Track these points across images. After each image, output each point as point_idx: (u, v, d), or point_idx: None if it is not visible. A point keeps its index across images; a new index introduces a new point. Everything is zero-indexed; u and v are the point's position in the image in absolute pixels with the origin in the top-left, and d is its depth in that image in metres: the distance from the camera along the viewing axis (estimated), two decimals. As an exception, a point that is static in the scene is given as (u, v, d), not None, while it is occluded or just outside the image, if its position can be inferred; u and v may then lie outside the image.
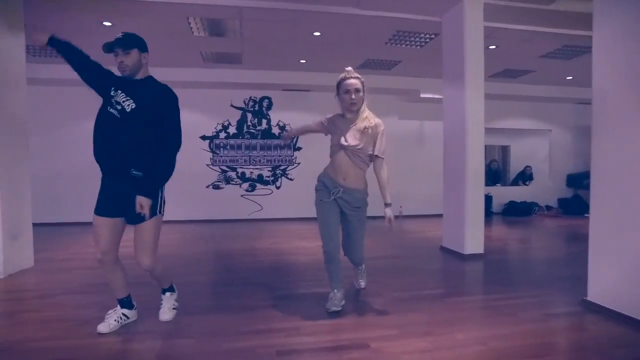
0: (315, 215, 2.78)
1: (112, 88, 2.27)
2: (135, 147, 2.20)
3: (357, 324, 2.57)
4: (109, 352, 2.16)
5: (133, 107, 2.20)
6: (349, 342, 2.27)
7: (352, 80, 2.63)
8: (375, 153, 2.68)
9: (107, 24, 4.93)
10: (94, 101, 2.42)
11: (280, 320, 2.58)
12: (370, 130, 2.64)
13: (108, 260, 2.32)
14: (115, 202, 2.26)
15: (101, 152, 2.26)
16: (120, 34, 2.27)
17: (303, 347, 2.22)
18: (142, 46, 2.30)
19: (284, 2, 4.36)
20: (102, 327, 2.32)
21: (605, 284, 2.73)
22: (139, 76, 2.30)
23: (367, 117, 2.69)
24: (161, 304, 2.57)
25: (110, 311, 2.44)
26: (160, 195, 2.31)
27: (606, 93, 2.74)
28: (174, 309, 2.57)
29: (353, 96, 2.62)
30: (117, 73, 2.32)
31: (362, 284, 3.20)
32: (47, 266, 4.05)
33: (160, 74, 7.39)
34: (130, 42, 2.26)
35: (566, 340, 2.45)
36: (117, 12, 4.60)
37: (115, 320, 2.37)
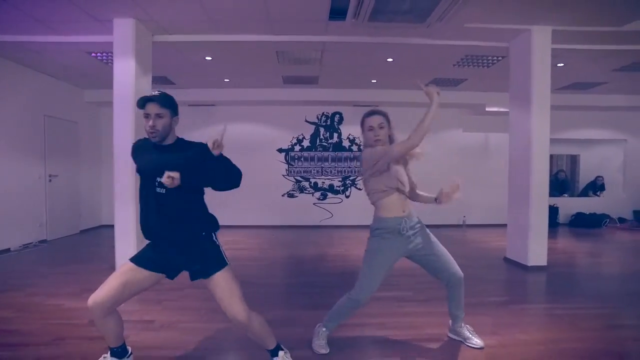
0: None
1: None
2: (188, 213, 2.12)
3: (432, 322, 3.06)
4: None
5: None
6: (428, 337, 2.79)
7: (375, 117, 2.49)
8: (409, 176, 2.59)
9: (209, 58, 5.84)
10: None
11: (369, 317, 3.16)
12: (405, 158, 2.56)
13: (99, 310, 2.04)
14: (165, 261, 2.14)
15: (151, 231, 2.14)
16: (157, 92, 2.13)
17: (391, 338, 2.78)
18: (175, 109, 2.13)
19: (362, 37, 4.94)
20: None
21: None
22: (168, 141, 2.13)
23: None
24: None
25: (101, 358, 2.27)
26: (221, 247, 2.22)
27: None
28: None
29: (377, 133, 2.46)
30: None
31: (477, 341, 2.64)
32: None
33: (244, 94, 8.48)
34: (166, 101, 2.09)
35: (626, 346, 2.71)
36: (218, 49, 5.46)
37: None
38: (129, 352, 2.30)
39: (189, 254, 2.14)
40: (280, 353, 2.31)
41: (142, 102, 2.08)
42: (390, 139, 2.51)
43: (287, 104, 8.23)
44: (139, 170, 2.15)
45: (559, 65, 5.91)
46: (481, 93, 7.85)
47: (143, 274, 2.10)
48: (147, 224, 2.12)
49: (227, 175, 2.11)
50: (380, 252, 2.50)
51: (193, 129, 7.55)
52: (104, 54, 5.59)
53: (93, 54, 5.59)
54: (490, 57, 5.75)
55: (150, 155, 2.12)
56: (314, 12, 4.26)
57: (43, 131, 6.54)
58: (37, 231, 6.40)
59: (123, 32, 4.47)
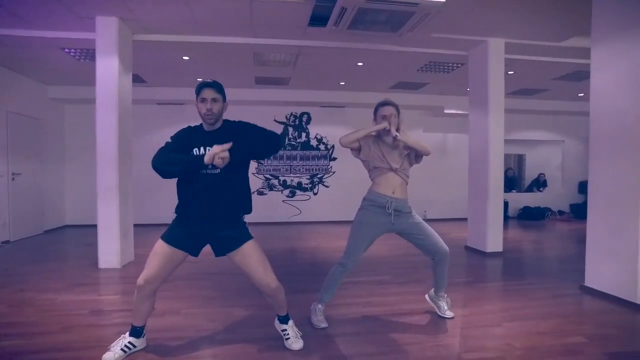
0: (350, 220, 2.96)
1: (195, 149, 2.23)
2: (236, 191, 2.29)
3: (412, 299, 3.45)
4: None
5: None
6: (409, 311, 3.18)
7: (387, 107, 2.79)
8: (416, 151, 2.88)
9: (186, 58, 5.94)
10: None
11: (356, 297, 3.50)
12: (401, 143, 2.83)
13: (148, 289, 2.29)
14: (193, 239, 2.29)
15: (198, 213, 2.26)
16: (210, 80, 2.29)
17: (377, 313, 3.14)
18: (225, 96, 2.32)
19: (338, 42, 5.28)
20: (108, 356, 2.28)
21: (598, 272, 3.59)
22: (218, 125, 2.31)
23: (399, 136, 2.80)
24: (286, 333, 2.53)
25: (118, 339, 2.41)
26: (244, 222, 2.39)
27: (601, 119, 3.59)
28: (300, 337, 2.56)
29: (390, 121, 2.74)
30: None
31: (450, 313, 3.02)
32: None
33: None
34: (220, 87, 2.29)
35: (566, 309, 3.25)
36: (197, 49, 5.59)
37: (121, 349, 2.33)
38: (144, 333, 2.48)
39: (223, 229, 2.28)
40: (290, 322, 2.59)
41: (199, 88, 2.25)
42: (398, 128, 2.81)
43: (257, 104, 8.42)
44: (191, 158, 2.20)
45: (509, 72, 6.58)
46: (441, 96, 8.47)
47: (176, 252, 2.28)
48: (198, 204, 2.23)
49: (266, 142, 2.32)
50: (365, 223, 2.80)
51: (162, 127, 7.58)
52: (78, 50, 5.54)
53: (66, 50, 5.53)
54: (451, 64, 6.30)
55: (203, 139, 2.24)
56: (296, 18, 4.54)
57: (5, 128, 6.32)
58: (0, 231, 6.18)
59: (106, 30, 4.52)
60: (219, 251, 2.35)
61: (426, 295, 3.22)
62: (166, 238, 2.30)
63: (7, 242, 6.27)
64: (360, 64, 6.29)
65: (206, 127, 2.31)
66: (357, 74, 6.93)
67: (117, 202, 4.63)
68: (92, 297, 3.55)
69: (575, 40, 5.25)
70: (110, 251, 4.64)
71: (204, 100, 2.23)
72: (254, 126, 2.33)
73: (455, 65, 6.34)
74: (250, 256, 2.32)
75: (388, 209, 2.78)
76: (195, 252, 2.36)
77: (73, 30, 4.85)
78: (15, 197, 6.52)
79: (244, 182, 2.37)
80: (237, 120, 2.40)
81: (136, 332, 2.41)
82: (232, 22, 4.69)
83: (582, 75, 6.80)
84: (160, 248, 2.29)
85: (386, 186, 2.81)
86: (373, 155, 2.82)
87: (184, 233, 2.29)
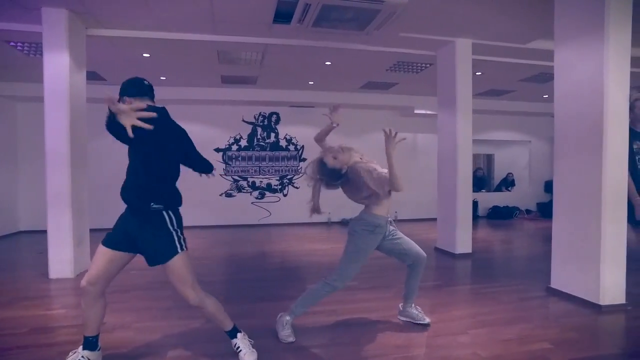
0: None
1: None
2: (150, 177, 2.15)
3: (380, 306, 3.35)
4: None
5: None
6: (377, 318, 3.08)
7: None
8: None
9: (146, 55, 5.66)
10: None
11: (322, 304, 3.36)
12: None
13: (92, 291, 2.17)
14: (128, 238, 2.19)
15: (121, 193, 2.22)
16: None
17: (344, 321, 3.01)
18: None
19: (304, 40, 5.13)
20: None
21: (563, 274, 3.58)
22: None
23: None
24: (237, 347, 2.37)
25: (70, 353, 2.26)
26: (177, 232, 2.20)
27: (564, 120, 3.59)
28: (252, 346, 2.41)
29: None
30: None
31: (426, 318, 2.93)
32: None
33: (181, 93, 8.35)
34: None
35: (533, 313, 3.23)
36: (157, 46, 5.33)
37: None
38: (99, 347, 2.28)
39: (139, 223, 2.17)
40: (239, 335, 2.42)
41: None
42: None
43: (225, 104, 8.19)
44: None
45: (477, 73, 6.61)
46: (410, 96, 8.45)
47: (114, 253, 2.18)
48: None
49: (200, 159, 2.44)
50: (368, 245, 2.70)
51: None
52: (26, 45, 5.17)
53: (12, 43, 5.15)
54: (419, 64, 6.27)
55: None
56: (259, 15, 4.37)
57: (-52, 128, 5.86)
58: (-57, 240, 5.73)
59: (54, 23, 4.21)
60: (149, 261, 2.22)
61: (398, 316, 3.06)
62: (103, 240, 2.23)
63: (-50, 251, 5.82)
64: (328, 63, 6.17)
65: None
66: (326, 74, 6.80)
67: (69, 209, 4.33)
68: (35, 313, 3.27)
69: (540, 42, 5.30)
70: (62, 260, 4.33)
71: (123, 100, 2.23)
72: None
73: (424, 65, 6.31)
74: (169, 271, 2.20)
75: (389, 228, 2.77)
76: (129, 248, 2.21)
77: (18, 22, 4.50)
78: (-40, 203, 6.06)
79: (160, 168, 2.17)
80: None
81: (89, 343, 2.23)
82: (192, 17, 4.47)
83: (547, 77, 6.91)
84: (99, 249, 2.22)
85: (388, 208, 2.76)
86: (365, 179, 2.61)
87: (119, 230, 2.21)
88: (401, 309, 3.03)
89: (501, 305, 3.36)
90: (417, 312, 2.96)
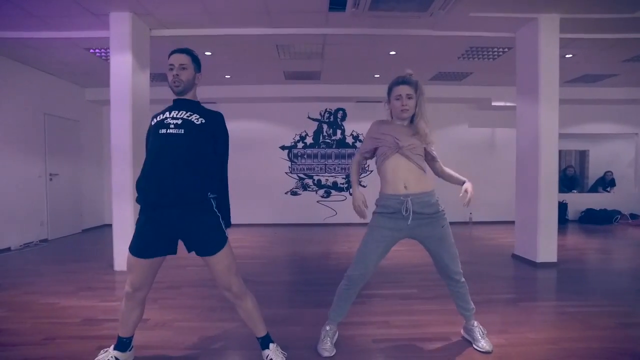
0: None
1: (159, 115, 2.14)
2: (195, 170, 2.03)
3: (439, 321, 2.94)
4: None
5: (182, 126, 2.05)
6: (433, 336, 2.67)
7: (403, 86, 2.28)
8: (432, 153, 2.38)
9: (208, 53, 5.74)
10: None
11: (372, 315, 3.04)
12: (422, 139, 2.32)
13: (137, 296, 2.10)
14: (165, 238, 2.05)
15: (153, 184, 2.03)
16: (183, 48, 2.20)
17: (394, 337, 2.65)
18: (199, 66, 2.21)
19: (364, 28, 4.81)
20: None
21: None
22: (189, 96, 2.19)
23: (422, 129, 2.31)
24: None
25: (101, 352, 2.22)
26: (220, 218, 2.13)
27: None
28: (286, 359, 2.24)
29: (404, 102, 2.27)
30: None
31: (484, 345, 2.41)
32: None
33: (246, 91, 8.33)
34: (192, 55, 2.19)
35: (637, 347, 2.54)
36: (217, 44, 5.36)
37: None
38: (132, 346, 2.24)
39: (191, 213, 2.04)
40: (272, 345, 2.24)
41: (169, 55, 2.16)
42: (420, 112, 2.31)
43: (289, 101, 8.12)
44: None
45: (567, 56, 5.74)
46: (487, 87, 7.67)
47: (151, 261, 2.08)
48: (155, 172, 2.06)
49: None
50: (373, 229, 2.33)
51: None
52: (103, 51, 5.51)
53: (92, 51, 5.52)
54: (495, 49, 5.60)
55: (170, 107, 2.17)
56: (313, 2, 4.14)
57: (43, 129, 6.48)
58: (38, 230, 6.35)
59: (120, 26, 4.39)
60: (192, 248, 2.10)
61: (462, 331, 2.63)
62: (131, 248, 2.07)
63: (45, 240, 6.44)
64: (392, 53, 5.76)
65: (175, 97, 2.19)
66: (391, 65, 6.37)
67: (132, 203, 4.48)
68: (92, 303, 3.37)
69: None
70: (126, 252, 4.49)
71: (171, 67, 2.12)
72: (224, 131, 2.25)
73: (501, 50, 5.62)
74: (213, 261, 2.08)
75: (405, 212, 2.24)
76: (166, 250, 2.09)
77: (92, 29, 4.77)
78: (53, 197, 6.69)
79: (208, 158, 2.12)
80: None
81: (122, 344, 2.18)
82: (245, 11, 4.38)
83: (658, 56, 5.79)
84: (130, 259, 2.08)
85: (394, 180, 2.29)
86: (384, 136, 2.34)
87: (147, 234, 2.04)
88: (464, 324, 2.60)
89: (593, 332, 2.73)
90: (479, 334, 2.48)
